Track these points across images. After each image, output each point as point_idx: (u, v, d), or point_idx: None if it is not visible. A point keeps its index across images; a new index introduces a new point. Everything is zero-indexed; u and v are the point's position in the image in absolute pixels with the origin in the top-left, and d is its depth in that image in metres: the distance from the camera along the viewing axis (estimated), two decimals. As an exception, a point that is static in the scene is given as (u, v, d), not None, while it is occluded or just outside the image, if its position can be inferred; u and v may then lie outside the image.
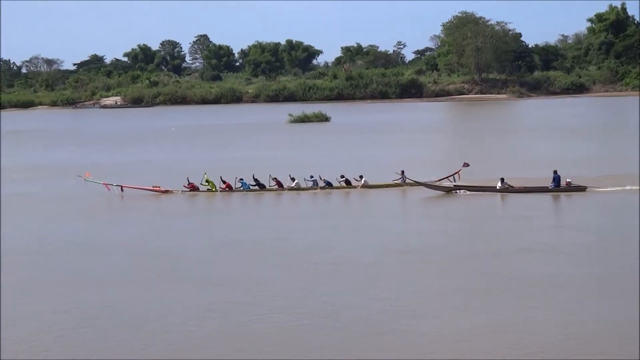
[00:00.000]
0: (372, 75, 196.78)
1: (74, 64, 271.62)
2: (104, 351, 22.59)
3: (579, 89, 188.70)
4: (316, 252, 33.76)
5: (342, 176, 51.80)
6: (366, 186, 51.00)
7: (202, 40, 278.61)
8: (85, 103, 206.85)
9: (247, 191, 51.41)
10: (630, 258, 30.60)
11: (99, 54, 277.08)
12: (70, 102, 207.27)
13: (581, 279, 28.53)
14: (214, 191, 51.61)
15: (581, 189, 47.40)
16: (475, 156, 59.67)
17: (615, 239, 35.08)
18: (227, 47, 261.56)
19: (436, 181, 50.59)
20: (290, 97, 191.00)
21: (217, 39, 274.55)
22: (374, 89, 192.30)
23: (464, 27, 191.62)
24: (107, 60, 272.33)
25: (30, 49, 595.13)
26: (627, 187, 47.52)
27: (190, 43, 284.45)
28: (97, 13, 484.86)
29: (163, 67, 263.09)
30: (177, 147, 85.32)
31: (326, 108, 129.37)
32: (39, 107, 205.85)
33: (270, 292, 27.55)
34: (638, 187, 46.66)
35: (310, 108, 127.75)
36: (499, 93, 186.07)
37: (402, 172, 51.53)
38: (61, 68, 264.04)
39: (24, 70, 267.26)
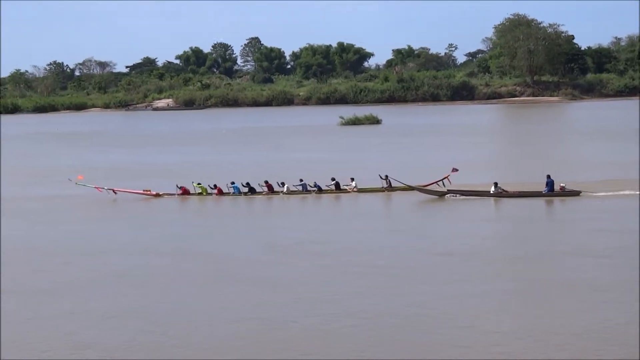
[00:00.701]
0: (424, 78, 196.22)
1: (127, 67, 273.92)
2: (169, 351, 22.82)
3: (632, 91, 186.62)
4: (355, 254, 33.88)
5: (333, 179, 52.19)
6: (357, 190, 51.43)
7: (254, 43, 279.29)
8: (137, 105, 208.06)
9: (238, 195, 51.81)
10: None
11: (152, 56, 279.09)
12: (123, 105, 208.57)
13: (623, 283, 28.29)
14: (204, 195, 52.08)
15: (575, 193, 47.31)
16: (524, 159, 59.60)
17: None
18: (279, 50, 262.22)
19: (425, 185, 50.43)
20: (342, 100, 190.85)
21: (268, 42, 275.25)
22: (425, 91, 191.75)
23: (516, 29, 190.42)
24: (160, 63, 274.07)
25: (84, 51, 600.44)
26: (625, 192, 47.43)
27: (241, 45, 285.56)
28: (149, 16, 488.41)
29: (215, 70, 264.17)
30: (227, 149, 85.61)
31: (377, 110, 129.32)
32: (92, 109, 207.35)
33: (316, 294, 27.72)
34: None
35: (361, 110, 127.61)
36: (551, 95, 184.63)
37: (386, 176, 51.85)
38: (114, 70, 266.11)
39: (77, 73, 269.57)
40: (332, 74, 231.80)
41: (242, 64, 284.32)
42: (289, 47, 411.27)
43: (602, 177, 52.75)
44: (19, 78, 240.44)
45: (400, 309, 25.71)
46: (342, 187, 51.75)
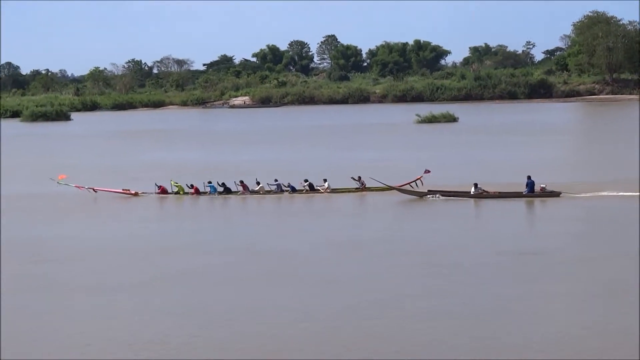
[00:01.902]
0: (501, 76, 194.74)
1: (204, 65, 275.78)
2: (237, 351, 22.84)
3: None
4: (430, 254, 33.82)
5: (306, 180, 52.39)
6: (331, 191, 51.60)
7: (330, 41, 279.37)
8: (214, 103, 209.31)
9: (214, 195, 52.17)
10: None
11: (229, 54, 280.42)
12: (200, 102, 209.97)
13: None
14: (181, 194, 52.53)
15: (555, 194, 46.93)
16: (597, 157, 58.79)
17: None
18: (355, 47, 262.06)
19: (400, 186, 50.16)
20: (418, 98, 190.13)
21: (345, 39, 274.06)
22: (502, 89, 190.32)
23: (595, 26, 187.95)
24: (236, 61, 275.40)
25: (162, 49, 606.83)
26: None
27: (318, 43, 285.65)
28: (227, 14, 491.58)
29: (291, 68, 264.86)
30: (300, 148, 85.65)
31: (454, 108, 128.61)
32: (170, 106, 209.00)
33: (387, 293, 27.64)
34: None
35: (437, 108, 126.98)
36: (630, 93, 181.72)
37: (359, 177, 51.98)
38: (191, 68, 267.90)
39: (155, 71, 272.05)
40: (408, 72, 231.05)
41: (319, 62, 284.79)
42: (365, 44, 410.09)
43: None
44: (98, 76, 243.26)
45: (462, 309, 25.63)
46: (315, 188, 51.94)
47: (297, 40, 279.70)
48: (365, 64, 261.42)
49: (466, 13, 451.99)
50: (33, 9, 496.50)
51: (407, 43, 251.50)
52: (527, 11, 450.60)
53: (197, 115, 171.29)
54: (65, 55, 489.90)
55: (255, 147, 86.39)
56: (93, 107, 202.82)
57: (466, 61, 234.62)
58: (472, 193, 47.35)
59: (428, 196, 48.23)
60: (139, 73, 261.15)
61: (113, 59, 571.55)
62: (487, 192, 47.36)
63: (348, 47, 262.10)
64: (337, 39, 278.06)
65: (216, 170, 61.31)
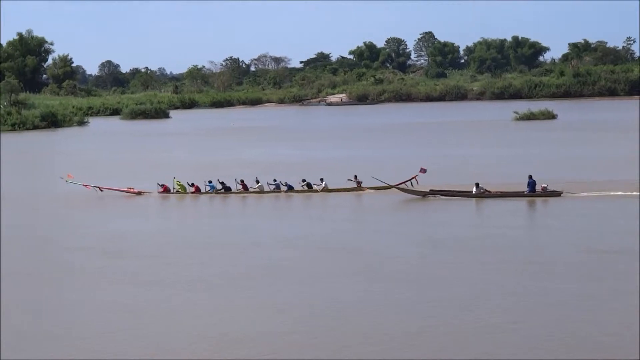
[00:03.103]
0: (600, 72, 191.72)
1: (301, 62, 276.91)
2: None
3: None
4: (515, 250, 33.64)
5: (304, 180, 52.57)
6: (326, 190, 51.70)
7: (427, 38, 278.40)
8: (311, 100, 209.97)
9: (214, 193, 52.60)
10: None
11: (325, 51, 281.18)
12: (297, 99, 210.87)
13: None
14: (183, 193, 52.91)
15: (556, 194, 46.56)
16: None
17: None
18: (452, 44, 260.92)
19: (395, 185, 50.12)
20: (516, 95, 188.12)
21: (442, 36, 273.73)
22: (602, 86, 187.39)
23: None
24: (333, 58, 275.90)
25: (259, 47, 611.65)
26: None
27: (415, 40, 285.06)
28: (324, 11, 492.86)
29: (388, 65, 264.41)
30: (393, 144, 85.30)
31: (552, 105, 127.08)
32: (267, 104, 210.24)
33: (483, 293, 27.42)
34: None
35: (536, 105, 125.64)
36: None
37: (355, 176, 52.12)
38: (288, 66, 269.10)
39: (252, 69, 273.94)
40: (506, 69, 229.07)
41: (416, 59, 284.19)
42: (462, 41, 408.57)
43: None
44: (196, 74, 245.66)
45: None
46: (312, 187, 52.22)
47: (394, 37, 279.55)
48: (462, 60, 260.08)
49: (565, 9, 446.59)
50: (133, 8, 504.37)
51: (505, 39, 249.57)
52: (627, 6, 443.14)
53: (294, 113, 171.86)
54: (165, 53, 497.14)
55: (347, 144, 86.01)
56: (191, 104, 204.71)
57: (565, 57, 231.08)
58: (473, 193, 47.21)
59: (429, 196, 48.24)
60: (236, 71, 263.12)
61: (211, 57, 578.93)
62: (489, 191, 47.25)
63: (445, 44, 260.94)
64: (434, 36, 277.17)
65: (302, 167, 61.50)
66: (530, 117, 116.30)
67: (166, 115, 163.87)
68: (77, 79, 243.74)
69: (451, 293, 27.26)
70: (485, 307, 25.64)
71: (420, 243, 36.00)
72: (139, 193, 53.60)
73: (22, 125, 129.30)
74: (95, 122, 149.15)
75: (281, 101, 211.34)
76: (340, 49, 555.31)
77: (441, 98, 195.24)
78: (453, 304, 26.04)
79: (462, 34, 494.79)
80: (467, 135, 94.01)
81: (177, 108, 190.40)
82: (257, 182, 52.89)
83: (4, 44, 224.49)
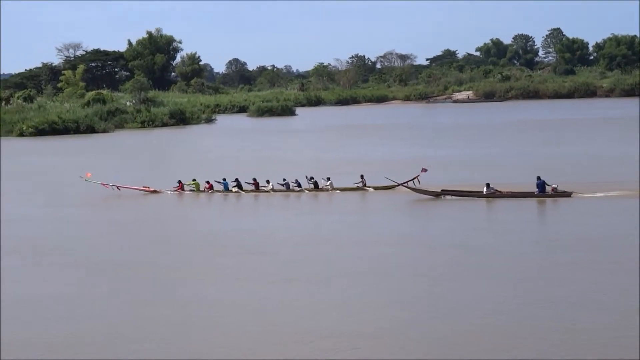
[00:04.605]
0: None
1: (427, 59, 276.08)
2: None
3: None
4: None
5: (312, 178, 53.02)
6: (334, 188, 52.30)
7: (556, 34, 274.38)
8: (437, 97, 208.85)
9: (227, 192, 53.37)
10: None
11: (452, 48, 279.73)
12: (423, 97, 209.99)
13: None
14: (197, 191, 53.66)
15: (566, 194, 46.12)
16: None
17: None
18: (581, 41, 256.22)
19: (396, 185, 50.87)
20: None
21: (570, 33, 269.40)
22: None
23: None
24: (460, 55, 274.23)
25: (385, 44, 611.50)
26: None
27: (543, 37, 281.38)
28: (450, 9, 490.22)
29: (515, 62, 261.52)
30: (513, 141, 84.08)
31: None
32: (393, 101, 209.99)
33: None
34: None
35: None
36: None
37: (362, 176, 52.73)
38: (414, 63, 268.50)
39: (378, 66, 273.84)
40: (637, 65, 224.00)
41: (543, 55, 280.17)
42: (592, 37, 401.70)
43: None
44: (322, 71, 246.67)
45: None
46: (319, 186, 52.84)
47: (522, 34, 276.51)
48: (591, 57, 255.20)
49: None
50: (260, 7, 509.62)
51: (635, 36, 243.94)
52: None
53: (420, 110, 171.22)
54: (291, 51, 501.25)
55: (466, 143, 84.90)
56: (317, 102, 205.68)
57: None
58: (484, 193, 47.03)
59: (442, 196, 48.24)
60: (362, 68, 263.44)
61: (337, 54, 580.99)
62: (499, 192, 47.09)
63: (574, 41, 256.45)
64: (562, 32, 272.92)
65: (412, 165, 61.38)
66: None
67: (292, 113, 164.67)
68: (205, 76, 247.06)
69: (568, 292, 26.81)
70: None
71: (536, 242, 35.57)
72: (154, 191, 54.48)
73: (151, 123, 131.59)
74: (222, 120, 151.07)
75: (407, 98, 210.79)
76: (467, 45, 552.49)
77: (569, 95, 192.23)
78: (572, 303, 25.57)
79: (591, 31, 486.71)
80: (592, 132, 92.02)
81: (303, 105, 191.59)
82: (268, 182, 53.55)
83: (134, 42, 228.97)
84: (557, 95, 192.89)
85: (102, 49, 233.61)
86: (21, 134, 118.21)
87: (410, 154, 74.36)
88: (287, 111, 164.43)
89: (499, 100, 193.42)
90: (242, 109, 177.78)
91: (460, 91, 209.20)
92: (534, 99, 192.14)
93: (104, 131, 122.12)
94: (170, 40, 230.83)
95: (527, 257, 32.54)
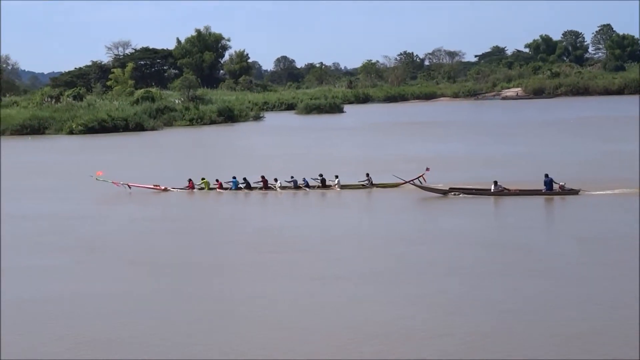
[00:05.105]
0: None
1: (476, 56, 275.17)
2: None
3: None
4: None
5: (320, 175, 53.13)
6: (341, 186, 52.32)
7: (605, 30, 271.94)
8: (486, 94, 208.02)
9: (236, 190, 53.49)
10: None
11: (501, 45, 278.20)
12: (472, 94, 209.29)
13: None
14: (207, 190, 53.98)
15: (574, 192, 46.07)
16: None
17: None
18: (632, 37, 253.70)
19: (402, 184, 51.22)
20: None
21: (621, 29, 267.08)
22: None
23: None
24: (509, 52, 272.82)
25: (434, 41, 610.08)
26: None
27: (593, 33, 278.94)
28: (500, 5, 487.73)
29: (565, 58, 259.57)
30: (557, 139, 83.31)
31: None
32: (441, 98, 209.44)
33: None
34: None
35: None
36: None
37: (367, 174, 52.66)
38: (463, 60, 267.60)
39: (426, 63, 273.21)
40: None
41: (593, 52, 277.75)
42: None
43: None
44: (370, 68, 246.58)
45: None
46: (327, 184, 52.89)
47: (571, 30, 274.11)
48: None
49: None
50: (308, 4, 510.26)
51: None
52: None
53: (468, 107, 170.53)
54: (339, 48, 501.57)
55: (512, 140, 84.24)
56: (365, 99, 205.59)
57: None
58: (492, 190, 47.06)
59: (451, 194, 48.28)
60: (410, 65, 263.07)
61: (385, 51, 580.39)
62: (507, 189, 47.13)
63: (624, 37, 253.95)
64: (612, 29, 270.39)
65: (458, 163, 61.16)
66: None
67: (340, 110, 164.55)
68: (253, 74, 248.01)
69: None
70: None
71: (577, 240, 35.11)
72: (165, 189, 54.86)
73: (199, 120, 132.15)
74: (270, 117, 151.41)
75: (455, 95, 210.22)
76: (515, 42, 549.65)
77: (620, 92, 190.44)
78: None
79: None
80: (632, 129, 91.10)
81: (351, 103, 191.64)
82: (276, 180, 53.70)
83: (183, 40, 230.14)
84: (607, 92, 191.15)
85: (151, 47, 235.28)
86: (71, 132, 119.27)
87: (447, 151, 74.38)
88: (335, 109, 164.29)
89: (548, 97, 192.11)
90: (290, 107, 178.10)
91: (509, 88, 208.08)
92: (583, 95, 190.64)
93: (153, 129, 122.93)
94: (218, 38, 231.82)
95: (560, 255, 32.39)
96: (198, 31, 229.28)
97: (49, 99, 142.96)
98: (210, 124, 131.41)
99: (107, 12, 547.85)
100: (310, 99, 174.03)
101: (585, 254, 32.31)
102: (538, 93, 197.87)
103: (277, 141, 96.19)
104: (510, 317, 24.26)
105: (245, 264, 32.51)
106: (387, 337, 22.91)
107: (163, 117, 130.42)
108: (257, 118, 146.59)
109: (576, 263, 30.77)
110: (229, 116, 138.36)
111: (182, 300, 27.56)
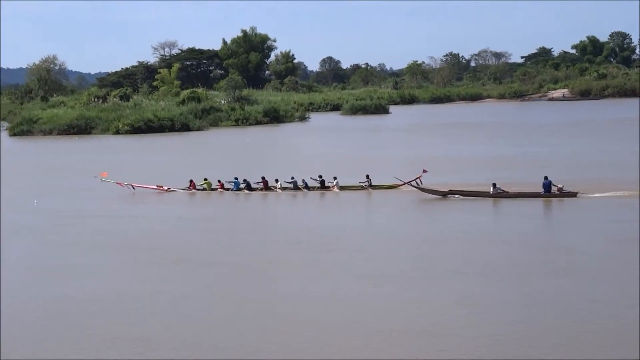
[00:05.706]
0: None
1: (522, 57, 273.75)
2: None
3: None
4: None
5: (320, 176, 53.14)
6: (339, 187, 52.51)
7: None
8: (532, 96, 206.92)
9: (237, 191, 53.68)
10: None
11: (547, 46, 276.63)
12: (518, 95, 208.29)
13: None
14: (208, 190, 54.21)
15: (572, 194, 45.90)
16: None
17: None
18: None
19: (400, 185, 51.50)
20: None
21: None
22: None
23: None
24: (555, 53, 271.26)
25: (480, 42, 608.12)
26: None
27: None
28: (546, 6, 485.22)
29: (612, 59, 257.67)
30: (599, 140, 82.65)
31: None
32: (487, 99, 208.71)
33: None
34: None
35: None
36: None
37: (367, 176, 52.67)
38: (509, 61, 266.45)
39: (472, 64, 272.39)
40: None
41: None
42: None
43: None
44: (416, 69, 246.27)
45: None
46: (326, 185, 52.97)
47: (619, 31, 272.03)
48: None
49: None
50: (354, 5, 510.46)
51: None
52: None
53: (514, 109, 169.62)
54: (385, 49, 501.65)
55: (556, 140, 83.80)
56: (411, 100, 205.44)
57: None
58: (491, 193, 47.02)
59: (449, 196, 48.23)
60: (456, 66, 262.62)
61: (431, 52, 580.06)
62: (506, 192, 47.10)
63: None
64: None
65: (493, 164, 60.97)
66: None
67: (386, 111, 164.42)
68: (299, 75, 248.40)
69: None
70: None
71: (608, 239, 34.99)
72: (168, 190, 55.11)
73: (245, 121, 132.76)
74: (315, 118, 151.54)
75: (501, 97, 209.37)
76: (562, 43, 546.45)
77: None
78: None
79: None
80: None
81: (396, 104, 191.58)
82: (276, 180, 53.94)
83: (229, 41, 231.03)
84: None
85: (197, 48, 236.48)
86: (117, 132, 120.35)
87: (487, 152, 74.26)
88: (380, 109, 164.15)
89: (595, 99, 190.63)
90: (335, 107, 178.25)
91: (555, 89, 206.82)
92: (630, 97, 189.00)
93: (199, 129, 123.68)
94: (264, 38, 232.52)
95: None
96: (244, 32, 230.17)
97: (96, 99, 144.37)
98: (255, 124, 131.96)
99: (154, 12, 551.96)
100: (356, 99, 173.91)
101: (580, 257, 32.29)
102: (585, 94, 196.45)
103: (322, 142, 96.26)
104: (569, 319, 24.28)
105: (284, 263, 32.82)
106: (437, 337, 23.07)
107: (209, 118, 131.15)
108: (303, 119, 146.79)
109: (579, 263, 30.76)
110: (274, 117, 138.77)
111: (220, 300, 27.89)
